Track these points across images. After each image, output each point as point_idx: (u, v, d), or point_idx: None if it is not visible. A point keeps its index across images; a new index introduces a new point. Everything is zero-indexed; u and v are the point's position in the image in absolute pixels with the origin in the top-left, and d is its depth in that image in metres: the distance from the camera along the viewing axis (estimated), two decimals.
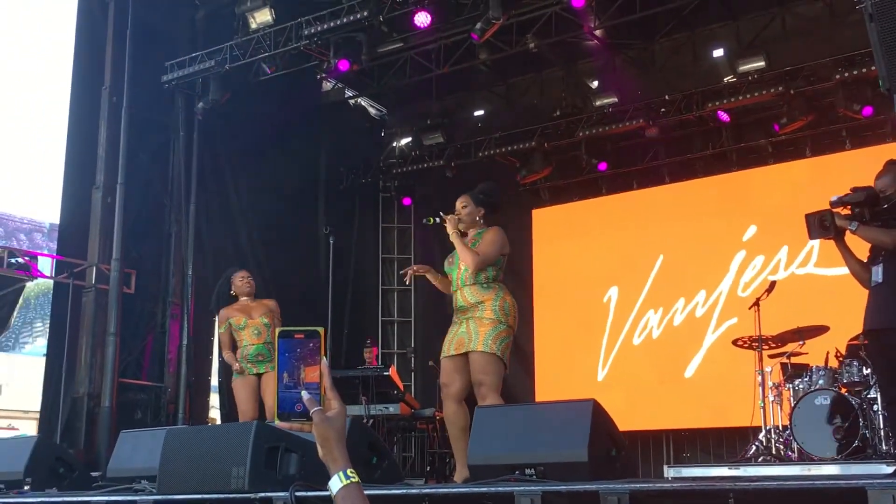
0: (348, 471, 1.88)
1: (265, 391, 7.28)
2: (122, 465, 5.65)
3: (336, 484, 1.87)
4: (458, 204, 5.83)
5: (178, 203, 11.00)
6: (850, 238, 5.30)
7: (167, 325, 10.76)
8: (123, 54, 10.47)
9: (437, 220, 5.76)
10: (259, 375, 7.41)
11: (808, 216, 5.46)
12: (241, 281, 7.66)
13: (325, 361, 1.91)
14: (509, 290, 5.77)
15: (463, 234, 5.74)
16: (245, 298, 7.62)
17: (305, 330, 1.92)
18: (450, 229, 5.68)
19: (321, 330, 1.92)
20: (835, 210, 5.29)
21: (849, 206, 5.25)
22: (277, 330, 1.93)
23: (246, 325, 7.45)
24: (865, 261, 5.28)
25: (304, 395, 1.89)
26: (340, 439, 1.90)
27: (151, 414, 10.42)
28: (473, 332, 5.51)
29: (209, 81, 10.74)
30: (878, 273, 5.12)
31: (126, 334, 10.27)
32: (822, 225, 5.33)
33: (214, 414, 12.43)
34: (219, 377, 11.34)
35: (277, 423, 1.92)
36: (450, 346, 5.64)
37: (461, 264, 5.68)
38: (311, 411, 1.88)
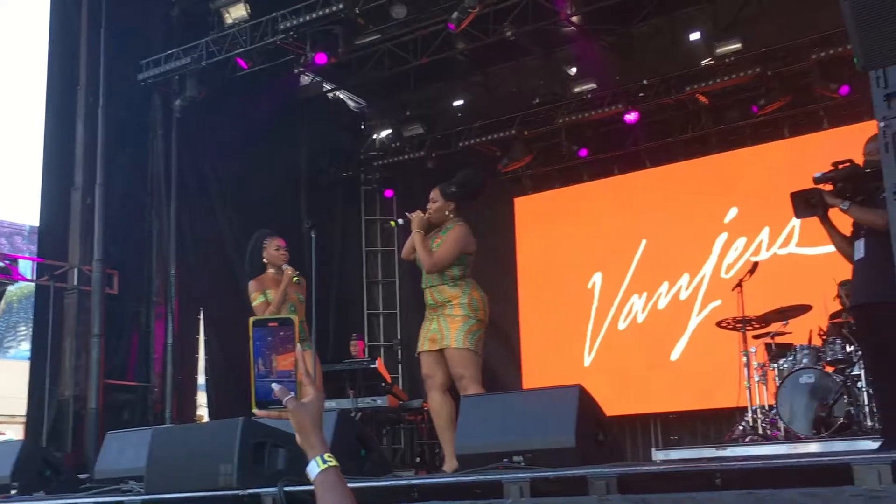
0: (325, 455, 1.90)
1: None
2: (110, 467, 5.63)
3: (314, 469, 1.89)
4: (430, 197, 5.88)
5: (159, 202, 10.94)
6: (833, 214, 5.30)
7: (151, 324, 10.71)
8: (98, 53, 10.40)
9: (402, 221, 5.85)
10: None
11: (793, 195, 5.45)
12: (276, 251, 6.73)
13: (299, 349, 1.93)
14: (478, 286, 5.80)
15: (433, 229, 5.80)
16: (274, 270, 6.71)
17: (278, 318, 1.94)
18: (413, 227, 5.74)
19: (294, 318, 1.94)
20: (819, 187, 5.29)
21: (832, 183, 5.25)
22: (251, 319, 1.93)
23: (284, 300, 6.63)
24: (849, 236, 5.27)
25: (275, 386, 1.90)
26: (317, 425, 1.92)
27: (139, 414, 10.38)
28: (445, 328, 5.61)
29: (186, 78, 10.68)
30: (860, 249, 5.12)
31: (110, 335, 10.21)
32: (808, 203, 5.34)
33: (202, 412, 12.40)
34: (205, 375, 11.32)
35: (255, 411, 1.93)
36: (424, 342, 5.76)
37: None
38: (285, 400, 1.89)
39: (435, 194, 5.88)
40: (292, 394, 1.91)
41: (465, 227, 5.79)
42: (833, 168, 5.27)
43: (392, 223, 5.92)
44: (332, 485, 1.87)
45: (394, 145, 13.18)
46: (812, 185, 5.35)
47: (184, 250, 11.00)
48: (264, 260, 6.74)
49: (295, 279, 6.64)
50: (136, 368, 10.65)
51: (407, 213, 5.84)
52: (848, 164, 5.22)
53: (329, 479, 1.88)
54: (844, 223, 5.34)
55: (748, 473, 3.29)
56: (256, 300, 6.63)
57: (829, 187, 5.27)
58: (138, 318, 10.74)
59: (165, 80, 10.90)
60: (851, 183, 5.15)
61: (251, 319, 1.94)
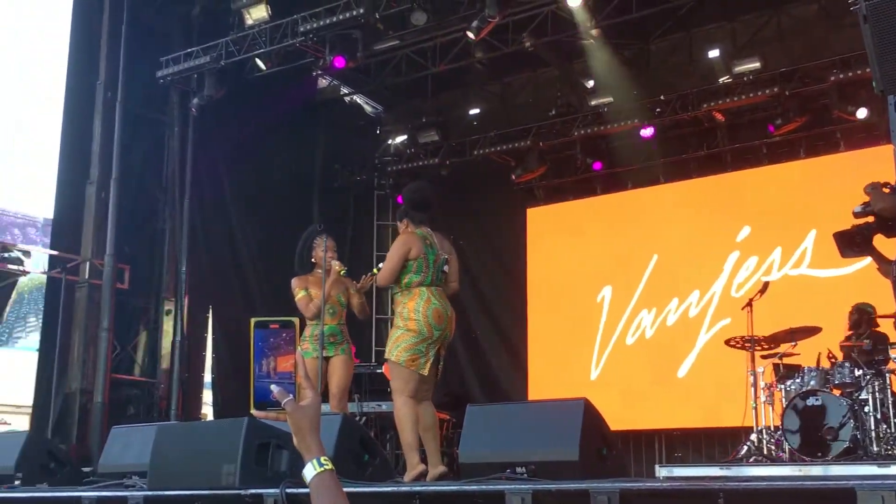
0: (322, 458, 1.90)
1: (332, 377, 6.46)
2: (114, 461, 5.64)
3: (310, 472, 1.89)
4: None
5: (173, 198, 11.01)
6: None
7: (161, 320, 10.75)
8: (118, 49, 10.47)
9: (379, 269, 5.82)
10: (327, 359, 6.49)
11: (836, 236, 5.34)
12: (323, 253, 6.45)
13: (299, 352, 1.93)
14: (426, 295, 5.48)
15: None
16: (321, 271, 6.41)
17: (280, 320, 1.94)
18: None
19: (296, 320, 1.94)
20: (860, 221, 5.16)
21: (873, 214, 5.12)
22: (252, 320, 1.93)
23: (327, 297, 6.36)
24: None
25: (274, 388, 1.91)
26: (314, 428, 1.92)
27: (144, 410, 10.41)
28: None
29: (204, 77, 10.74)
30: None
31: (119, 330, 10.27)
32: (853, 243, 5.25)
33: (207, 410, 12.41)
34: (212, 373, 11.33)
35: (253, 412, 1.94)
36: None
37: None
38: (283, 402, 1.89)
39: None
40: (291, 396, 1.91)
41: (405, 234, 5.64)
42: (868, 192, 5.10)
43: (375, 270, 6.04)
44: (328, 488, 1.88)
45: (409, 151, 13.20)
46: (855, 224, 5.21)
47: (195, 248, 11.05)
48: (313, 260, 6.63)
49: (342, 273, 6.47)
50: (144, 364, 10.70)
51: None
52: (888, 188, 5.01)
53: (324, 482, 1.88)
54: (891, 247, 5.24)
55: (752, 494, 3.28)
56: (298, 294, 6.57)
57: (870, 218, 5.13)
58: (147, 314, 10.80)
59: (184, 79, 10.95)
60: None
61: (252, 320, 1.94)
